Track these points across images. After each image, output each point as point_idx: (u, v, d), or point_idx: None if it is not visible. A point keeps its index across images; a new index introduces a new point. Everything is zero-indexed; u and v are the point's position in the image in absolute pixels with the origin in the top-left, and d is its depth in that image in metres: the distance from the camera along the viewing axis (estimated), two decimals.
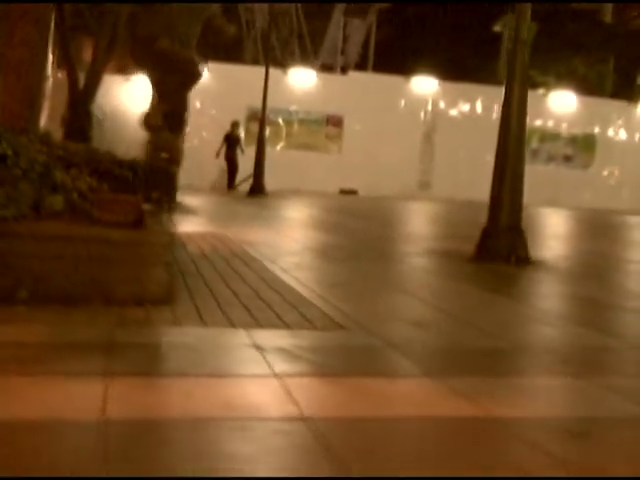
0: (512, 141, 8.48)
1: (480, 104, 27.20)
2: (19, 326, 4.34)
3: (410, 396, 3.50)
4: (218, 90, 25.86)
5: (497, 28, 28.70)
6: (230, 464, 2.62)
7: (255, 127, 25.79)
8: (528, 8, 8.58)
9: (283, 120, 26.26)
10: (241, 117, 25.61)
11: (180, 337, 4.34)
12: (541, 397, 3.71)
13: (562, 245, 13.14)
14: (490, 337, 4.94)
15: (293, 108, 26.19)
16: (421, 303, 6.12)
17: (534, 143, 27.50)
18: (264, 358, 3.96)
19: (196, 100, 26.07)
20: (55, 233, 5.23)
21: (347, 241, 10.57)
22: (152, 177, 11.58)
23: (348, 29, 28.22)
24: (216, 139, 24.46)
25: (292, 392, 3.39)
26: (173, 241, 5.41)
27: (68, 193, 6.06)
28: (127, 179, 10.83)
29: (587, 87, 30.45)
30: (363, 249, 9.71)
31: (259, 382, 3.57)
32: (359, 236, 11.65)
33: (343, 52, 28.32)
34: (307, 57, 29.07)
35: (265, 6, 31.14)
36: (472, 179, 26.32)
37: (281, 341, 4.38)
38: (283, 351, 4.15)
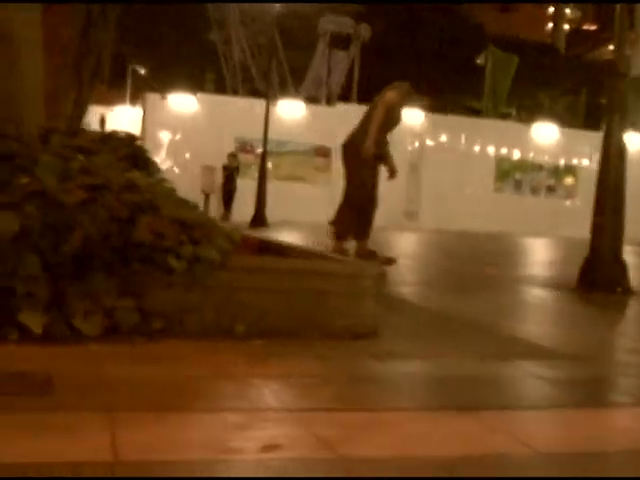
0: (612, 173, 8.65)
1: (464, 136, 27.64)
2: (297, 361, 4.26)
3: None
4: (206, 121, 25.84)
5: (479, 61, 29.24)
6: None
7: (244, 159, 25.87)
8: (627, 37, 8.84)
9: (272, 151, 26.30)
10: (230, 149, 25.61)
11: (455, 370, 4.31)
12: None
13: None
14: None
15: (282, 139, 26.21)
16: (597, 331, 6.20)
17: (517, 175, 28.09)
18: (566, 389, 3.98)
19: (185, 132, 26.02)
20: (269, 266, 5.20)
21: (430, 272, 10.62)
22: None
23: (332, 61, 28.46)
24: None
25: None
26: (385, 274, 5.40)
27: None
28: None
29: (556, 119, 31.19)
30: (457, 280, 9.81)
31: (613, 413, 3.58)
32: (432, 267, 11.70)
33: (327, 83, 28.54)
34: (287, 89, 29.22)
35: (243, 37, 31.24)
36: (458, 210, 26.73)
37: (545, 372, 4.38)
38: (571, 382, 4.17)
